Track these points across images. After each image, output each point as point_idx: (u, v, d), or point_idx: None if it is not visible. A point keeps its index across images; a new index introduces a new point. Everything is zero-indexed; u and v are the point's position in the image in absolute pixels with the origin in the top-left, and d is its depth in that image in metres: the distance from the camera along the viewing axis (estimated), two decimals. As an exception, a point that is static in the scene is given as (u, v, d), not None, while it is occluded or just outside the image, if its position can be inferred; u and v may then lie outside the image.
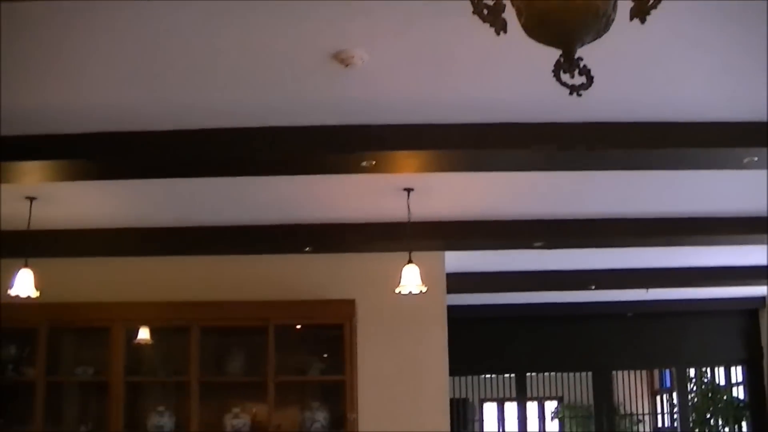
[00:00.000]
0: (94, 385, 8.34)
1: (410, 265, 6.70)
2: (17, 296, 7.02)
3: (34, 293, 7.01)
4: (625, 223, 7.72)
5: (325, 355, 8.22)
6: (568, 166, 6.05)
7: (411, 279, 6.69)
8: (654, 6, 2.43)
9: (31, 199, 6.97)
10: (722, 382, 13.25)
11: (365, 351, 8.06)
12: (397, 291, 6.68)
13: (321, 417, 7.91)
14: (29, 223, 7.11)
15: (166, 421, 8.05)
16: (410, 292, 6.72)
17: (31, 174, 5.98)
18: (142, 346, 8.39)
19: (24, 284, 6.97)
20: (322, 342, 8.28)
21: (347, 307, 7.95)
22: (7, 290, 7.00)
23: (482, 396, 14.15)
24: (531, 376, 12.91)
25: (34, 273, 7.02)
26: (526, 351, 12.33)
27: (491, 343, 12.11)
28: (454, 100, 5.02)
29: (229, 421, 7.96)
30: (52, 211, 7.26)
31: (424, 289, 6.72)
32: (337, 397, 7.93)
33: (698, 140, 5.35)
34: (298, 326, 8.33)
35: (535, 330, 12.23)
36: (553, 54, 2.49)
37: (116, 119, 5.24)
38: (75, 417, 8.45)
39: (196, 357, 8.01)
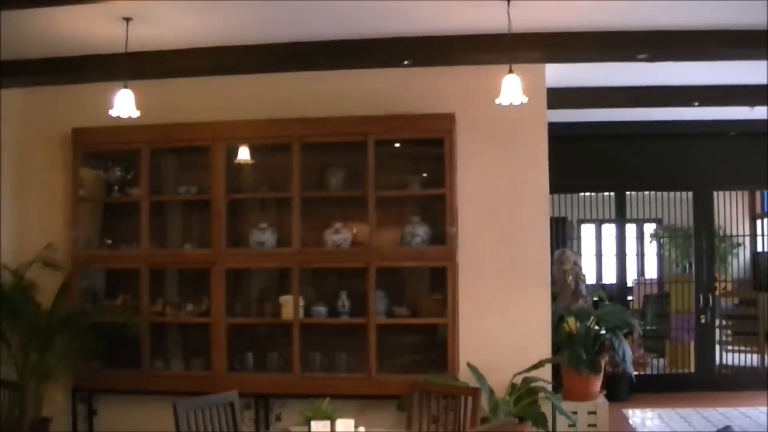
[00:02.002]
0: (196, 204, 8.50)
1: (511, 75, 6.54)
2: (119, 117, 7.08)
3: (135, 113, 7.06)
4: (732, 34, 7.39)
5: (425, 174, 8.19)
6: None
7: (512, 90, 6.53)
8: None
9: (127, 19, 6.94)
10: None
11: (465, 166, 8.02)
12: (497, 102, 6.53)
13: (421, 231, 7.95)
14: (126, 44, 7.12)
15: (268, 237, 8.19)
16: (511, 104, 6.56)
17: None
18: (242, 166, 8.47)
19: (124, 105, 7.02)
20: (422, 158, 8.25)
21: (447, 120, 7.86)
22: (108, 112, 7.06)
23: (580, 216, 14.06)
24: (630, 195, 12.70)
25: (135, 95, 7.06)
26: (627, 169, 12.15)
27: (591, 161, 11.94)
28: None
29: (330, 237, 8.05)
30: (149, 31, 7.22)
31: (525, 100, 6.56)
32: (437, 212, 7.95)
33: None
34: (398, 144, 8.29)
35: (636, 148, 12.01)
36: None
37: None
38: (179, 235, 8.67)
39: (296, 173, 8.07)
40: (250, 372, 8.22)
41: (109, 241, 8.64)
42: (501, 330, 8.03)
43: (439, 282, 8.01)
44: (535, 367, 7.73)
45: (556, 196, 11.58)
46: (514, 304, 8.06)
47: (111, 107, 7.02)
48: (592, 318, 9.28)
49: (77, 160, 8.49)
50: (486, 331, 8.01)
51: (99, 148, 8.59)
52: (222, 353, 8.12)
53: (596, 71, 8.86)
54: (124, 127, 7.93)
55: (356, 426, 4.45)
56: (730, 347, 13.23)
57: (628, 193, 12.66)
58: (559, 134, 8.61)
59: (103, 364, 8.58)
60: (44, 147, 8.83)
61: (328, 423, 4.37)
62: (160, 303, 8.51)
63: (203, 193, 8.34)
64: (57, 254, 8.54)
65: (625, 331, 9.54)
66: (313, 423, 4.37)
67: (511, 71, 6.54)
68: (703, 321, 12.35)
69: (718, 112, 10.72)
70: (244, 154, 8.36)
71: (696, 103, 9.95)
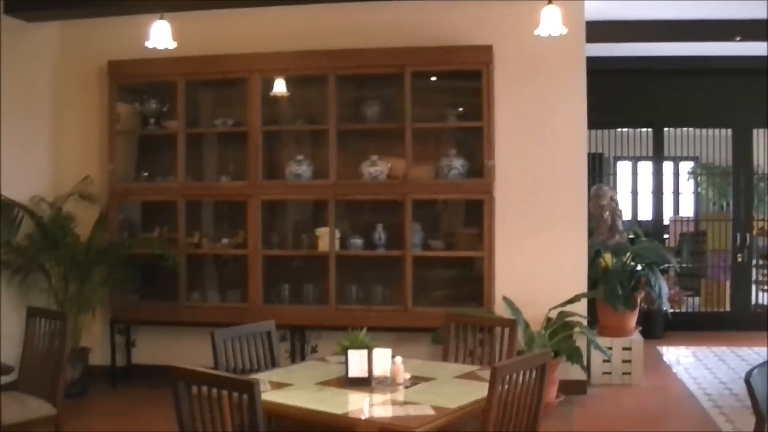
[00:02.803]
0: (232, 136, 8.50)
1: (550, 5, 6.42)
2: (155, 49, 7.04)
3: (171, 45, 7.01)
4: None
5: (460, 109, 8.12)
6: None
7: (551, 21, 6.41)
8: None
9: (163, -52, 6.90)
10: None
11: (502, 99, 7.93)
12: (536, 33, 6.42)
13: (458, 164, 7.91)
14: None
15: (304, 169, 8.18)
16: (550, 35, 6.46)
17: None
18: (278, 99, 8.43)
19: (160, 36, 6.96)
20: (458, 92, 8.17)
21: (484, 53, 7.77)
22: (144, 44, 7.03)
23: (616, 153, 13.92)
24: (668, 132, 12.53)
25: (171, 27, 7.00)
26: (665, 106, 11.97)
27: (629, 96, 11.78)
28: None
29: (366, 169, 8.03)
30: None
31: (564, 31, 6.43)
32: (474, 144, 7.90)
33: None
34: (434, 78, 8.22)
35: (675, 84, 11.82)
36: None
37: None
38: (214, 168, 8.67)
39: (333, 105, 8.04)
40: (285, 304, 8.27)
41: (146, 174, 8.67)
42: (537, 264, 8.01)
43: (474, 216, 7.99)
44: (571, 301, 7.72)
45: (592, 131, 11.45)
46: (550, 238, 8.03)
47: (147, 39, 6.97)
48: (628, 254, 9.22)
49: (113, 93, 8.50)
50: (522, 265, 8.00)
51: (134, 81, 8.59)
52: (258, 285, 8.16)
53: (635, 5, 8.71)
54: (159, 60, 7.93)
55: (393, 356, 4.45)
56: (765, 287, 13.13)
57: (666, 129, 12.48)
58: (597, 68, 8.48)
59: (140, 296, 8.67)
60: (80, 80, 8.84)
61: (365, 352, 4.36)
62: (197, 235, 8.55)
63: (239, 126, 8.33)
64: (93, 187, 8.59)
65: (661, 267, 9.48)
66: (350, 352, 4.36)
67: (550, 2, 6.43)
68: (739, 260, 12.24)
69: (759, 47, 10.52)
70: (279, 86, 8.32)
71: (738, 38, 9.78)
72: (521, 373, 3.94)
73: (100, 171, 8.69)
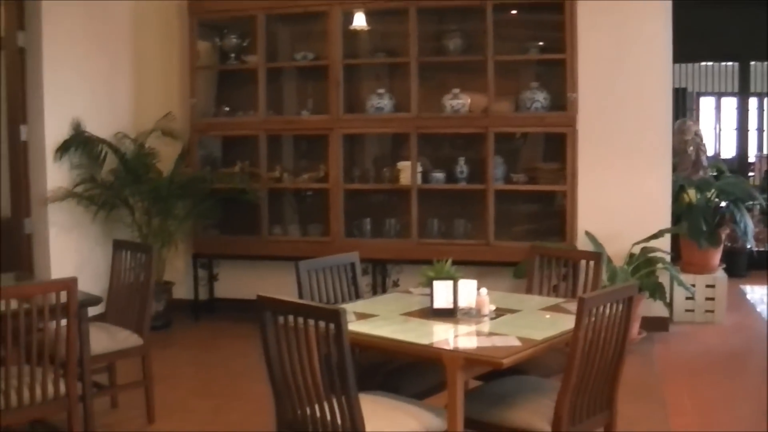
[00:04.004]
0: (313, 70, 8.48)
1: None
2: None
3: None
4: None
5: (541, 43, 7.97)
6: None
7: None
8: None
9: None
10: None
11: (585, 31, 7.75)
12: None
13: (540, 97, 7.79)
14: None
15: (386, 102, 8.14)
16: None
17: None
18: (359, 33, 8.37)
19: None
20: (539, 26, 8.00)
21: (567, -17, 7.63)
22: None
23: (699, 89, 13.66)
24: (755, 66, 12.20)
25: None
26: (752, 38, 11.62)
27: (714, 27, 11.43)
28: None
29: (448, 102, 7.96)
30: None
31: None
32: (556, 78, 7.77)
33: None
34: (515, 11, 8.08)
35: (763, 15, 11.48)
36: None
37: None
38: (295, 102, 8.67)
39: (414, 38, 7.96)
40: (367, 238, 8.30)
41: (227, 109, 8.70)
42: (620, 199, 7.91)
43: (555, 150, 7.90)
44: (655, 236, 7.63)
45: (675, 65, 11.21)
46: (633, 173, 7.90)
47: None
48: (712, 189, 9.05)
49: (193, 29, 8.51)
50: (604, 200, 7.90)
51: (214, 17, 8.60)
52: (339, 219, 8.19)
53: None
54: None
55: (477, 288, 4.42)
56: None
57: (752, 63, 12.13)
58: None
59: (222, 230, 8.76)
60: (160, 16, 8.89)
61: (450, 283, 4.34)
62: (278, 169, 8.58)
63: (320, 60, 8.30)
64: (175, 123, 8.65)
65: (746, 204, 9.30)
66: (435, 283, 4.35)
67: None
68: (826, 197, 11.98)
69: None
70: (359, 20, 8.24)
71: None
72: (608, 305, 3.88)
73: (182, 107, 8.76)
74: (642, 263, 7.61)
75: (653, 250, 7.67)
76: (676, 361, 7.23)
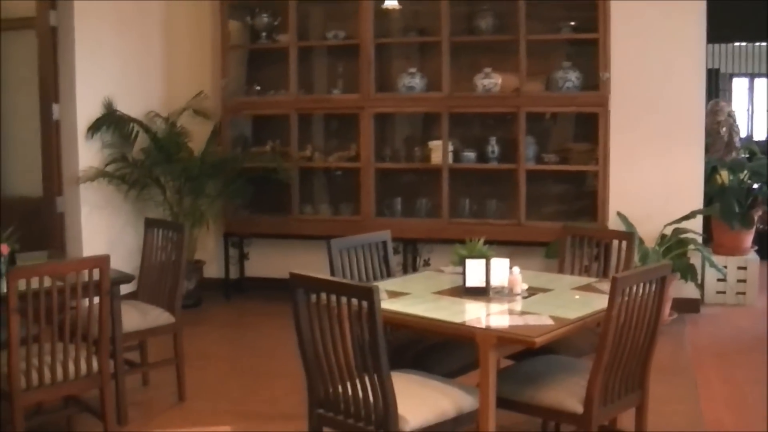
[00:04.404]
0: (344, 49, 8.46)
1: None
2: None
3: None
4: None
5: (572, 23, 7.91)
6: None
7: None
8: None
9: None
10: None
11: (619, 10, 7.68)
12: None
13: (572, 77, 7.74)
14: None
15: (417, 81, 8.12)
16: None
17: None
18: (390, 11, 8.35)
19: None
20: (571, 6, 7.90)
21: (600, -38, 7.56)
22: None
23: (731, 70, 13.54)
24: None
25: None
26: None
27: (747, 6, 11.19)
28: None
29: (480, 81, 7.93)
30: None
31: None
32: (589, 57, 7.71)
33: None
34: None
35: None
36: None
37: None
38: (326, 81, 8.67)
39: (446, 17, 7.93)
40: (398, 217, 8.29)
41: (258, 88, 8.71)
42: (652, 179, 7.86)
43: (586, 130, 7.86)
44: (687, 217, 7.59)
45: (708, 46, 11.09)
46: (666, 153, 7.85)
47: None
48: (745, 171, 8.98)
49: (224, 7, 8.51)
50: (636, 181, 7.86)
51: (246, -4, 8.60)
52: (370, 198, 8.19)
53: None
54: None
55: (510, 267, 4.41)
56: None
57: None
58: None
59: (252, 209, 8.77)
60: (191, -4, 8.89)
61: (483, 262, 4.33)
62: (309, 149, 8.59)
63: (351, 39, 8.28)
64: (207, 102, 8.66)
65: (781, 186, 9.22)
66: (468, 261, 4.34)
67: None
68: None
69: None
70: (391, -1, 8.24)
71: None
72: (641, 285, 3.86)
73: (213, 86, 8.76)
74: (674, 244, 7.57)
75: (685, 231, 7.63)
76: (707, 342, 7.20)
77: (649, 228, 7.64)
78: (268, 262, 8.83)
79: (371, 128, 8.15)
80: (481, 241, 4.62)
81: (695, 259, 7.68)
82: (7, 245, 4.95)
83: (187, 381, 5.79)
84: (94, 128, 7.83)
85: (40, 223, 7.68)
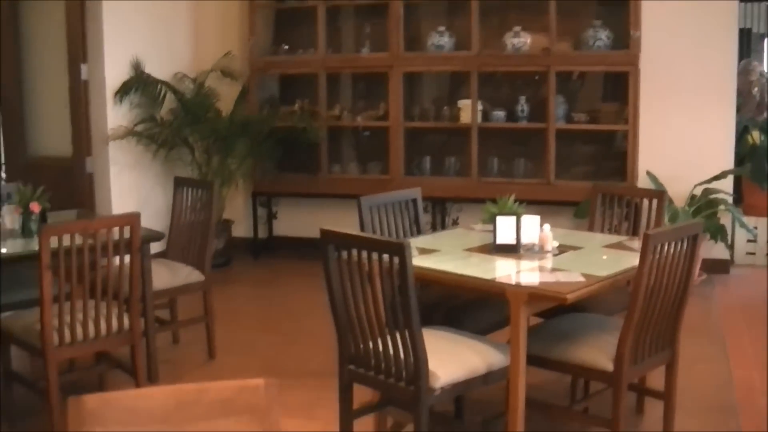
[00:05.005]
0: (372, 8, 8.40)
1: None
2: None
3: None
4: None
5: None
6: None
7: None
8: None
9: None
10: None
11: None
12: None
13: (603, 35, 7.66)
14: None
15: (446, 40, 8.07)
16: None
17: None
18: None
19: None
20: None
21: None
22: None
23: (765, 30, 13.35)
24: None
25: None
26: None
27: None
28: None
29: (509, 40, 7.87)
30: None
31: None
32: (620, 15, 7.62)
33: None
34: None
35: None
36: None
37: None
38: (353, 40, 8.64)
39: (475, -25, 7.87)
40: (427, 176, 8.28)
41: (286, 47, 8.68)
42: (682, 139, 7.80)
43: (616, 90, 7.80)
44: (717, 178, 7.54)
45: (741, 5, 10.97)
46: (696, 113, 7.78)
47: None
48: (777, 131, 8.91)
49: (252, -33, 8.48)
50: (666, 140, 7.80)
51: (273, -46, 8.56)
52: (399, 157, 8.18)
53: None
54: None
55: (541, 224, 4.39)
56: None
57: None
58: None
59: (281, 169, 8.76)
60: (218, -46, 8.86)
61: (513, 219, 4.31)
62: (337, 108, 8.57)
63: (378, -2, 8.24)
64: (235, 62, 8.65)
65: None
66: (498, 218, 4.32)
67: None
68: None
69: None
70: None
71: None
72: (673, 243, 3.84)
73: (240, 46, 8.75)
74: (703, 205, 7.52)
75: (715, 191, 7.57)
76: (736, 303, 7.17)
77: (679, 188, 7.59)
78: (297, 221, 8.85)
79: (400, 87, 8.11)
80: (512, 198, 4.60)
81: (725, 220, 7.64)
82: (38, 203, 4.98)
83: (217, 339, 5.84)
84: (122, 92, 7.84)
85: (70, 184, 7.73)
